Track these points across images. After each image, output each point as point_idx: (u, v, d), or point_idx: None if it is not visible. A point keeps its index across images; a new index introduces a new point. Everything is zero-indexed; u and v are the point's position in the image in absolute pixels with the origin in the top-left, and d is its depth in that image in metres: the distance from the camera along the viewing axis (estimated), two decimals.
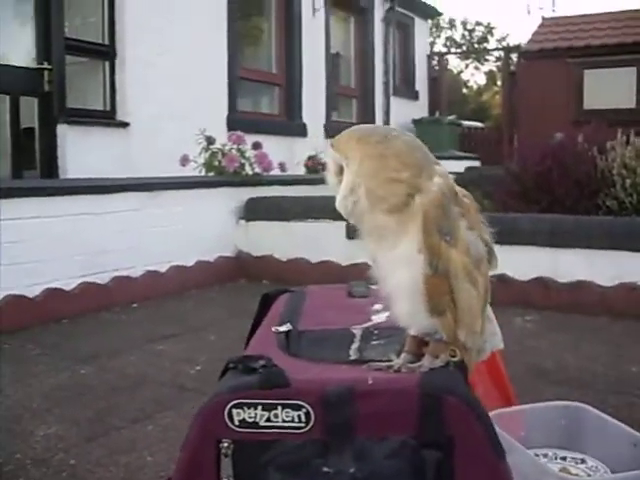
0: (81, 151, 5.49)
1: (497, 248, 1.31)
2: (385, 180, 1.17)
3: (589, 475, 1.74)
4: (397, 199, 1.16)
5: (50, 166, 5.45)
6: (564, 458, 1.82)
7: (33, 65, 5.46)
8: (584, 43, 11.43)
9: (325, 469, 1.12)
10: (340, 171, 1.23)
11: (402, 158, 1.18)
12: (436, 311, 1.17)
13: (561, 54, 11.49)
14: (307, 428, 1.12)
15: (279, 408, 1.13)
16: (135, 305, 4.38)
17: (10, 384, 2.92)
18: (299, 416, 1.12)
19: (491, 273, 1.28)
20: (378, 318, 1.50)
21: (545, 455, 1.83)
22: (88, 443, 2.32)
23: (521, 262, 4.16)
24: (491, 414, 1.39)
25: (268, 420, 1.13)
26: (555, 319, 3.97)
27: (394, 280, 1.21)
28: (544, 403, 1.98)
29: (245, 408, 1.13)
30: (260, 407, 1.13)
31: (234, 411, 1.13)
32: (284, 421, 1.13)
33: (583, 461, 1.80)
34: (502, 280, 4.03)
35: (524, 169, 5.14)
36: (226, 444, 1.13)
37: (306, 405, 1.12)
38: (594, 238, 4.08)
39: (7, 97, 5.31)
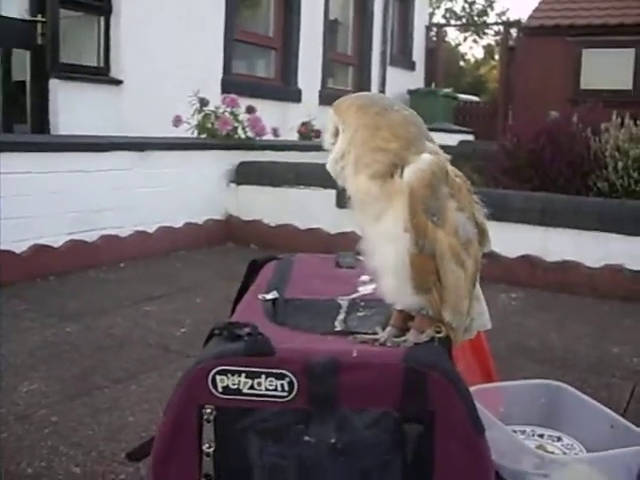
0: (73, 107, 5.43)
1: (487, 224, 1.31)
2: (372, 148, 1.18)
3: (564, 453, 1.77)
4: (380, 166, 1.17)
5: (41, 121, 5.40)
6: (541, 435, 1.84)
7: (27, 17, 5.38)
8: (585, 22, 11.37)
9: (306, 438, 1.14)
10: (336, 134, 1.25)
11: (394, 130, 1.18)
12: (422, 289, 1.18)
13: (561, 32, 11.43)
14: (290, 397, 1.13)
15: (263, 376, 1.13)
16: (122, 265, 4.37)
17: None
18: (282, 385, 1.13)
19: (483, 253, 1.28)
20: (365, 290, 1.51)
21: (523, 432, 1.85)
22: (71, 401, 2.32)
23: (509, 239, 4.16)
24: (471, 389, 1.41)
25: (251, 388, 1.14)
26: (541, 298, 3.99)
27: (380, 255, 1.21)
28: (524, 381, 2.00)
29: (229, 375, 1.14)
30: (244, 375, 1.14)
31: (218, 377, 1.14)
32: (267, 389, 1.14)
33: (559, 439, 1.82)
34: (489, 256, 4.03)
35: (517, 146, 5.13)
36: (209, 410, 1.14)
37: (290, 374, 1.13)
38: (584, 219, 4.09)
39: None
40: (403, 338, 1.22)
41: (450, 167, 1.22)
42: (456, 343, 1.27)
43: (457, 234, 1.18)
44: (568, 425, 1.84)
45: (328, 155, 1.27)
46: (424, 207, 1.15)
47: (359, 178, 1.19)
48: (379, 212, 1.19)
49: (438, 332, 1.22)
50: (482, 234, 1.26)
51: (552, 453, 1.76)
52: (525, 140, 5.07)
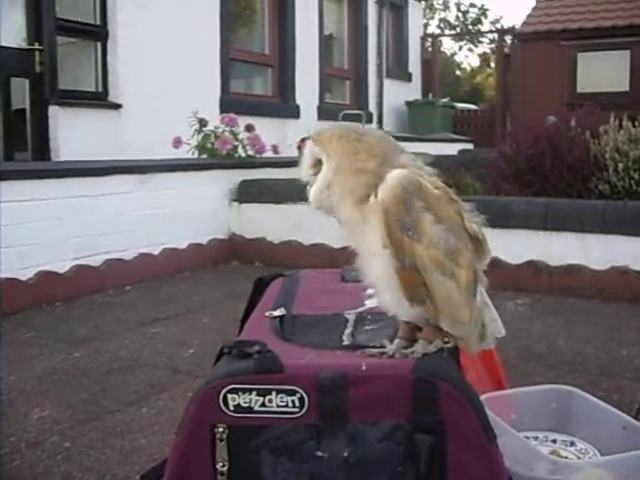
0: (73, 133, 5.46)
1: (489, 231, 1.31)
2: (353, 171, 1.21)
3: (579, 458, 1.76)
4: (362, 189, 1.20)
5: (42, 148, 5.42)
6: (554, 441, 1.84)
7: (24, 46, 5.42)
8: (577, 25, 11.40)
9: (319, 453, 1.14)
10: (316, 164, 1.28)
11: (371, 151, 1.22)
12: (416, 301, 1.19)
13: (555, 36, 11.47)
14: (301, 413, 1.14)
15: (273, 393, 1.14)
16: (128, 288, 4.38)
17: (4, 367, 2.92)
18: (293, 401, 1.14)
19: (485, 261, 1.29)
20: (371, 303, 1.51)
21: (536, 438, 1.85)
22: (82, 426, 2.33)
23: (513, 245, 4.17)
24: (482, 397, 1.41)
25: (263, 405, 1.14)
26: (547, 303, 3.99)
27: (372, 271, 1.24)
28: (535, 387, 2.00)
29: (240, 393, 1.14)
30: (255, 392, 1.14)
31: (229, 396, 1.14)
32: (278, 406, 1.14)
33: (573, 444, 1.82)
34: (494, 264, 4.03)
35: (517, 152, 5.14)
36: (221, 429, 1.14)
37: (300, 390, 1.14)
38: (587, 222, 4.09)
39: None
40: (411, 349, 1.22)
41: (430, 178, 1.23)
42: (472, 353, 1.27)
43: (438, 246, 1.18)
44: (581, 429, 1.84)
45: (308, 187, 1.29)
46: (399, 223, 1.16)
47: (345, 205, 1.22)
48: (363, 232, 1.21)
49: (446, 342, 1.22)
50: (477, 242, 1.26)
51: (566, 458, 1.76)
52: (524, 146, 5.08)
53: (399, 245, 1.16)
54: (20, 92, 5.42)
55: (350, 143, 1.23)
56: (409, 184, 1.18)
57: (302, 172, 1.31)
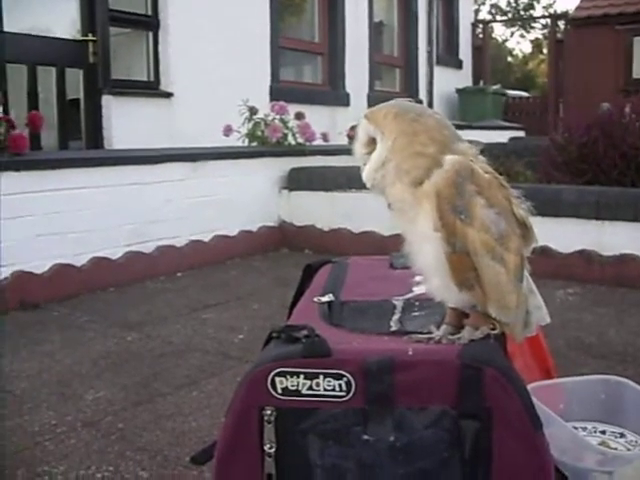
0: (126, 122, 5.56)
1: (539, 220, 1.31)
2: (412, 154, 1.21)
3: (628, 449, 1.75)
4: (419, 172, 1.20)
5: (95, 137, 5.54)
6: (603, 432, 1.83)
7: (78, 37, 5.53)
8: (635, 9, 11.11)
9: (365, 437, 1.15)
10: (370, 143, 1.27)
11: (430, 134, 1.21)
12: (464, 286, 1.19)
13: (610, 21, 11.21)
14: (348, 397, 1.15)
15: (321, 377, 1.16)
16: (180, 274, 4.45)
17: (60, 350, 3.00)
18: (340, 385, 1.15)
19: (530, 247, 1.28)
20: (419, 290, 1.52)
21: (584, 428, 1.84)
22: (135, 408, 2.39)
23: (564, 234, 4.11)
24: (530, 386, 1.41)
25: (310, 388, 1.16)
26: (598, 293, 3.93)
27: (421, 256, 1.24)
28: (584, 377, 1.98)
29: (288, 376, 1.16)
30: (302, 376, 1.16)
31: (277, 379, 1.16)
32: (325, 390, 1.16)
33: (622, 435, 1.80)
34: (544, 252, 4.00)
35: (569, 140, 5.06)
36: (269, 411, 1.17)
37: (347, 374, 1.15)
38: None
39: (53, 69, 5.40)
40: (458, 335, 1.23)
41: (480, 164, 1.23)
42: (517, 340, 1.27)
43: (489, 230, 1.18)
44: (630, 421, 1.82)
45: (362, 165, 1.29)
46: (451, 206, 1.17)
47: (396, 187, 1.22)
48: (414, 216, 1.21)
49: (493, 329, 1.22)
50: (525, 228, 1.26)
51: (615, 449, 1.74)
52: (576, 134, 5.00)
53: (451, 228, 1.17)
54: (74, 82, 5.54)
55: (406, 122, 1.22)
56: (462, 168, 1.19)
57: (356, 151, 1.31)
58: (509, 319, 1.22)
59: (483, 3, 27.11)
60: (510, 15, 27.78)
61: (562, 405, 1.85)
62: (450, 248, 1.17)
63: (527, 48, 28.63)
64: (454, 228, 1.17)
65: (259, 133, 5.60)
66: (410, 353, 1.17)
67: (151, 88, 5.99)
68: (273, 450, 1.17)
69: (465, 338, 1.22)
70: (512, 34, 27.78)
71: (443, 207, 1.17)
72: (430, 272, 1.24)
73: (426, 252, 1.21)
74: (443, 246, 1.18)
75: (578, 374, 2.02)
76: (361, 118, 1.29)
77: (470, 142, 1.28)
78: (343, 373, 1.15)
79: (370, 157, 1.27)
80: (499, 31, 27.11)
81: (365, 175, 1.28)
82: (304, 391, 1.16)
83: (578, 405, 1.87)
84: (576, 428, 1.80)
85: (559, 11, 20.34)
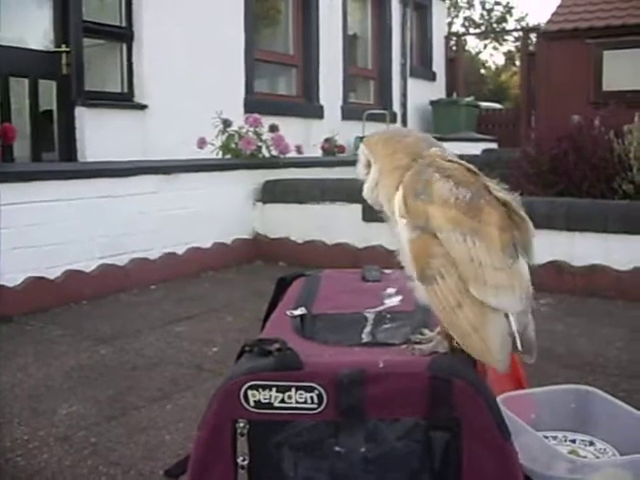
0: (99, 133, 5.54)
1: None
2: (390, 170, 1.28)
3: (597, 457, 1.77)
4: (396, 182, 1.26)
5: (69, 148, 5.51)
6: (573, 441, 1.85)
7: (51, 48, 5.50)
8: (604, 23, 11.28)
9: (337, 449, 1.17)
10: (368, 165, 1.36)
11: (408, 149, 1.28)
12: (424, 277, 1.20)
13: (580, 34, 11.36)
14: (320, 409, 1.16)
15: (293, 390, 1.17)
16: (153, 287, 4.44)
17: (32, 363, 2.98)
18: (312, 398, 1.16)
19: (528, 237, 1.35)
20: (390, 302, 1.54)
21: (555, 437, 1.86)
22: (108, 422, 2.37)
23: (536, 245, 4.15)
24: (502, 397, 1.43)
25: (282, 401, 1.17)
26: (569, 303, 3.98)
27: (403, 259, 1.27)
28: (555, 386, 2.01)
29: (260, 389, 1.17)
30: (274, 389, 1.17)
31: (249, 392, 1.17)
32: (297, 402, 1.17)
33: (592, 443, 1.82)
34: None
35: (540, 152, 5.13)
36: (242, 424, 1.18)
37: (319, 387, 1.16)
38: (610, 222, 4.07)
39: (26, 80, 5.36)
40: (420, 347, 1.25)
41: (450, 157, 1.28)
42: (499, 369, 1.23)
43: (453, 204, 1.19)
44: (600, 429, 1.85)
45: (364, 184, 1.37)
46: (412, 192, 1.21)
47: (387, 202, 1.29)
48: (395, 223, 1.26)
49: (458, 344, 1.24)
50: (506, 205, 1.24)
51: (585, 457, 1.76)
52: (547, 146, 5.07)
53: (412, 210, 1.20)
54: (47, 94, 5.51)
55: (390, 145, 1.30)
56: (425, 162, 1.24)
57: (359, 172, 1.39)
58: (499, 300, 1.23)
59: (456, 16, 27.40)
60: (483, 28, 28.08)
61: (533, 415, 1.86)
62: (415, 233, 1.20)
63: (500, 60, 28.97)
64: (416, 209, 1.20)
65: (233, 145, 5.62)
66: (381, 365, 1.18)
67: (125, 100, 5.98)
68: (246, 463, 1.18)
69: (424, 350, 1.23)
70: (485, 46, 28.09)
71: (407, 195, 1.21)
72: (410, 274, 1.25)
73: (403, 253, 1.25)
74: (408, 233, 1.21)
75: (549, 384, 2.04)
76: (361, 144, 1.39)
77: None
78: (315, 386, 1.16)
79: (368, 178, 1.35)
80: (472, 43, 27.38)
81: (364, 194, 1.36)
82: (276, 404, 1.17)
83: (549, 415, 1.89)
84: (547, 437, 1.82)
85: (531, 24, 20.59)
